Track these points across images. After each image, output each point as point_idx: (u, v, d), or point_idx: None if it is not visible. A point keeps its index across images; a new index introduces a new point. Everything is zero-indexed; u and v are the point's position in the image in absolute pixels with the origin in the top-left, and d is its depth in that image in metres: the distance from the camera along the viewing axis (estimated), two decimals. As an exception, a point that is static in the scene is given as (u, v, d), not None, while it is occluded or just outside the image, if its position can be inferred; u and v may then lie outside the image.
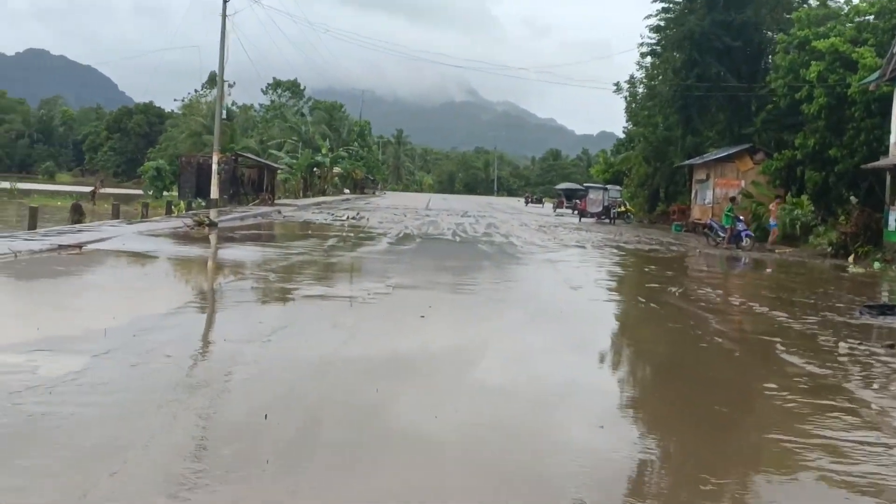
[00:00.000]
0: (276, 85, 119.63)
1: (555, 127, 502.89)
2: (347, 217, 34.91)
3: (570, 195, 69.64)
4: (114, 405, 5.93)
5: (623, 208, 47.83)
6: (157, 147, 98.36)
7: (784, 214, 32.44)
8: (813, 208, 32.72)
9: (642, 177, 53.99)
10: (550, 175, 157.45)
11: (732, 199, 30.99)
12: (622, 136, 66.82)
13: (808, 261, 25.26)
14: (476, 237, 27.11)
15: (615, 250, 25.44)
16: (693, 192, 41.29)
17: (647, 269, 20.71)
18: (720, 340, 10.41)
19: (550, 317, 11.84)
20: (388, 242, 23.27)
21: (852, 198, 30.27)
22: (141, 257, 16.52)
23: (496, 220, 40.81)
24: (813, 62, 31.86)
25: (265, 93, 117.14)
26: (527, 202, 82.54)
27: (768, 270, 22.42)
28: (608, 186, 49.75)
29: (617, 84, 55.02)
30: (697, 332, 11.01)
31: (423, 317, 10.61)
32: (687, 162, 41.02)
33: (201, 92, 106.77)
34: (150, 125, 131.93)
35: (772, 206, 31.26)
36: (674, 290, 15.44)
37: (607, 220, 46.62)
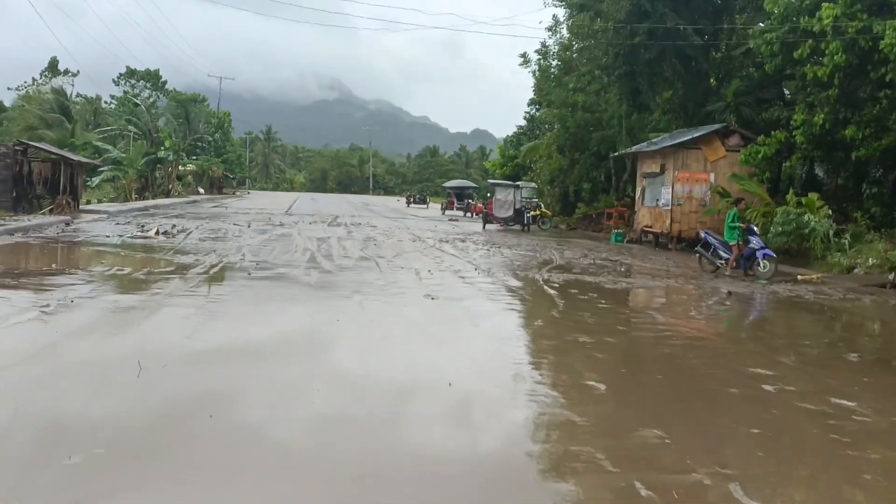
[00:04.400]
0: (130, 74, 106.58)
1: (428, 125, 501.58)
2: (157, 232, 22.96)
3: (460, 194, 58.89)
4: None
5: (538, 211, 37.15)
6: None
7: (787, 221, 22.61)
8: (830, 212, 23.06)
9: (553, 171, 43.66)
10: (428, 172, 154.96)
11: (737, 202, 20.59)
12: (522, 123, 56.78)
13: (877, 297, 15.45)
14: (346, 271, 15.91)
15: (593, 293, 14.59)
16: (639, 190, 31.11)
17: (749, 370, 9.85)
18: None
19: None
20: (171, 292, 11.78)
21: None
22: None
23: (377, 231, 29.60)
24: (825, 3, 22.21)
25: (117, 83, 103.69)
26: (409, 202, 71.29)
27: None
28: (519, 184, 38.93)
29: (524, 56, 44.39)
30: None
31: None
32: (634, 149, 30.60)
33: (40, 81, 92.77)
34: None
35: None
36: None
37: (519, 227, 35.97)
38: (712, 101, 29.68)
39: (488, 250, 22.84)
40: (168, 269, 14.62)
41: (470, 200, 56.00)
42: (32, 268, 14.55)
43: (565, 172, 42.78)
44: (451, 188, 62.67)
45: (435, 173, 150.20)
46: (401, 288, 13.39)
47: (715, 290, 15.81)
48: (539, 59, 43.73)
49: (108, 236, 21.51)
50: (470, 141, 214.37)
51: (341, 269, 15.79)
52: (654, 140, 30.53)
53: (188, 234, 23.35)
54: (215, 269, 14.67)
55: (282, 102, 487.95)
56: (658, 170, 28.88)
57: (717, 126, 28.17)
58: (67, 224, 24.82)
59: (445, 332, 9.99)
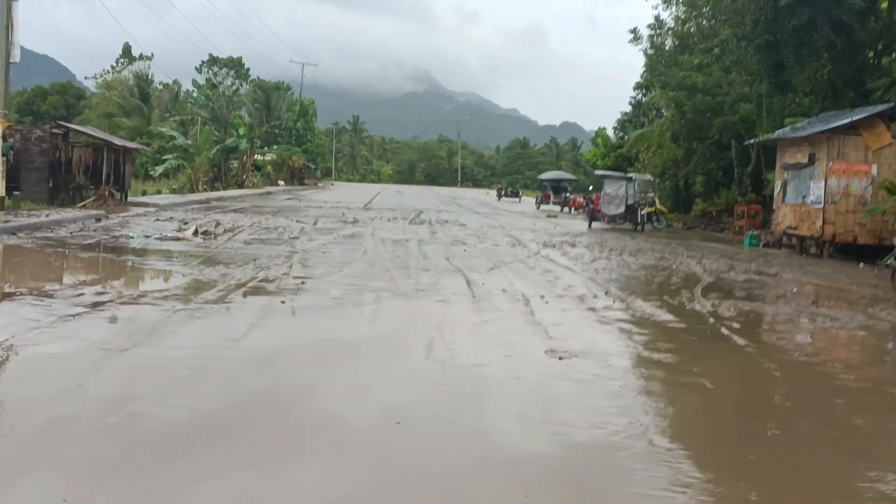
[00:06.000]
0: (213, 62, 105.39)
1: (518, 117, 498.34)
2: (196, 231, 19.24)
3: (557, 187, 54.24)
4: None
5: (653, 208, 32.38)
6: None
7: None
8: None
9: (666, 162, 38.80)
10: (517, 164, 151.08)
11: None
12: (629, 108, 51.75)
13: None
14: (423, 295, 11.76)
15: (798, 339, 10.13)
16: (778, 184, 26.24)
17: None
18: None
19: None
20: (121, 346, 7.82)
21: None
22: None
23: (466, 231, 25.47)
24: None
25: (199, 71, 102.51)
26: (500, 195, 66.91)
27: None
28: (632, 175, 34.11)
29: (634, 31, 39.52)
30: None
31: None
32: (777, 134, 25.64)
33: (118, 67, 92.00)
34: (67, 107, 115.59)
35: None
36: None
37: (632, 226, 31.36)
38: (871, 78, 24.66)
39: (608, 259, 18.40)
40: (162, 293, 10.53)
41: (567, 194, 51.34)
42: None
43: (679, 164, 37.88)
44: (547, 180, 57.89)
45: (525, 165, 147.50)
46: (506, 330, 9.12)
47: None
48: (652, 36, 38.89)
49: (131, 237, 17.64)
50: (559, 133, 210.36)
51: (417, 293, 11.65)
52: (797, 125, 25.64)
53: (235, 235, 19.52)
54: (235, 294, 10.65)
55: (368, 94, 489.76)
56: (806, 160, 23.98)
57: (882, 107, 23.15)
58: (98, 220, 21.23)
59: (603, 458, 5.56)
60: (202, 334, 8.27)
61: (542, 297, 11.70)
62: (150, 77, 76.98)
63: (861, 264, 20.77)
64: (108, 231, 18.94)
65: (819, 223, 23.10)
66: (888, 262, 17.56)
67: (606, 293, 12.47)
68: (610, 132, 57.68)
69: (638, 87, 49.96)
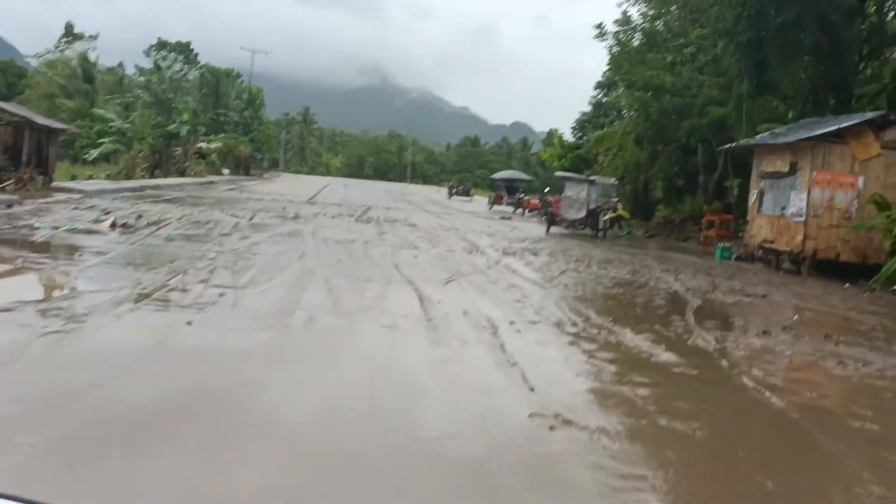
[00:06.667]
0: (161, 46, 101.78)
1: (469, 115, 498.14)
2: (114, 224, 16.65)
3: (511, 187, 52.09)
4: None
5: (615, 213, 30.28)
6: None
7: None
8: None
9: (627, 165, 36.94)
10: (468, 162, 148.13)
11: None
12: (588, 108, 49.73)
13: None
14: (363, 317, 9.50)
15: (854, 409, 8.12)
16: (754, 193, 24.42)
17: None
18: None
19: None
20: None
21: None
22: None
23: (417, 232, 23.25)
24: None
25: (147, 55, 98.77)
26: (450, 194, 64.51)
27: None
28: (595, 178, 31.80)
29: (600, 27, 37.48)
30: None
31: None
32: (757, 140, 23.69)
33: (60, 47, 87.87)
34: (8, 86, 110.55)
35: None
36: None
37: (592, 232, 29.26)
38: (858, 83, 22.94)
39: (576, 272, 16.22)
40: (25, 303, 8.25)
41: (521, 195, 49.23)
42: None
43: (642, 168, 36.01)
44: (500, 180, 55.52)
45: (475, 164, 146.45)
46: (472, 376, 6.92)
47: None
48: (618, 32, 36.80)
49: (37, 228, 15.16)
50: (510, 133, 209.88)
51: (359, 313, 9.38)
52: (775, 131, 23.79)
53: (158, 229, 17.01)
54: (126, 309, 8.27)
55: (319, 87, 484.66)
56: (787, 169, 22.12)
57: (871, 114, 21.38)
58: (9, 206, 18.54)
59: None
60: (31, 379, 5.84)
61: (512, 323, 9.52)
62: (95, 59, 73.40)
63: (846, 284, 19.05)
64: (14, 220, 16.40)
65: (799, 237, 21.29)
66: (873, 284, 15.79)
67: (586, 320, 10.27)
68: (567, 133, 55.72)
69: (600, 86, 48.01)
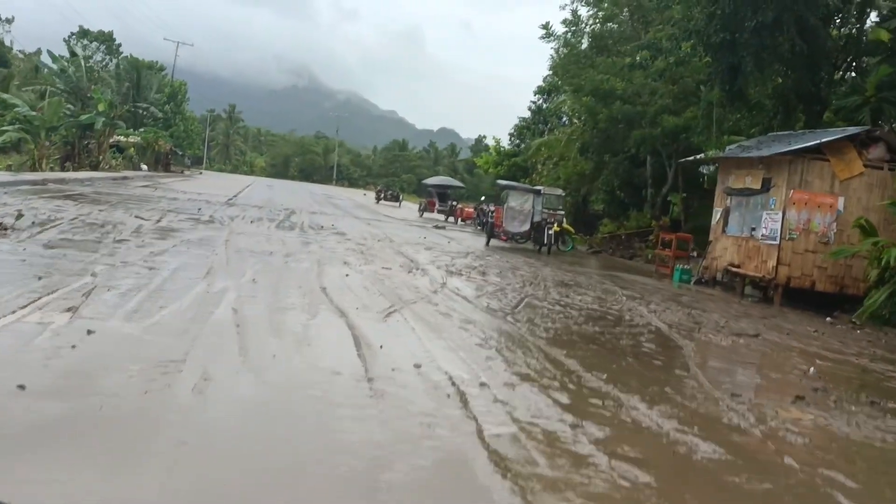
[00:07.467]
0: (83, 34, 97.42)
1: (396, 119, 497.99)
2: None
3: (443, 194, 49.42)
4: None
5: (559, 227, 27.82)
6: None
7: None
8: None
9: (570, 175, 34.67)
10: (395, 166, 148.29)
11: None
12: (528, 114, 47.34)
13: None
14: (269, 368, 6.80)
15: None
16: (718, 212, 22.29)
17: None
18: None
19: None
20: None
21: None
22: None
23: (346, 242, 20.46)
24: None
25: (68, 43, 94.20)
26: (378, 198, 61.60)
27: None
28: (541, 188, 29.17)
29: (546, 27, 35.03)
30: None
31: None
32: (728, 153, 21.47)
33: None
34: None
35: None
36: None
37: (535, 247, 26.76)
38: (833, 96, 20.99)
39: (538, 299, 13.67)
40: None
41: (454, 203, 46.66)
42: None
43: (585, 178, 33.74)
44: (433, 186, 52.72)
45: (402, 168, 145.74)
46: (442, 493, 4.40)
47: None
48: (566, 33, 34.29)
49: None
50: (437, 138, 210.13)
51: (272, 366, 6.64)
52: (745, 144, 21.67)
53: (42, 231, 13.90)
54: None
55: (246, 85, 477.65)
56: (758, 186, 20.01)
57: (854, 129, 19.39)
58: None
59: None
60: None
61: (483, 385, 6.84)
62: (10, 43, 68.81)
63: (828, 318, 17.02)
64: None
65: (772, 263, 19.22)
66: (855, 319, 13.74)
67: (576, 379, 7.65)
68: (504, 140, 53.27)
69: (540, 91, 45.71)
